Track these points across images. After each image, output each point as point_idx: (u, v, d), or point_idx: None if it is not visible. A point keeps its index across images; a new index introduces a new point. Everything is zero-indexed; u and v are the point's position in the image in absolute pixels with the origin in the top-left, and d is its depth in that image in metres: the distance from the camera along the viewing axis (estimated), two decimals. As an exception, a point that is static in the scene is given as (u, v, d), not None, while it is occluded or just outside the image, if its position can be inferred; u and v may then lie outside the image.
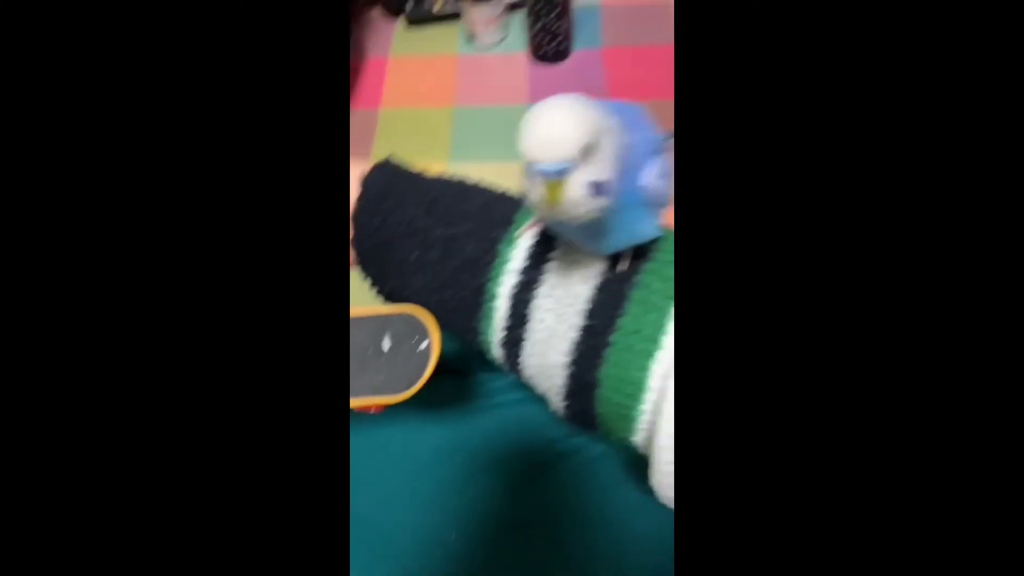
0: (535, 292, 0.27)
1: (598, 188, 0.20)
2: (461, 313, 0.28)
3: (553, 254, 0.27)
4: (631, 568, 0.36)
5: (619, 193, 0.20)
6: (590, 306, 0.26)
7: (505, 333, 0.27)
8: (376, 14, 1.00)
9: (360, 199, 0.30)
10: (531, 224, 0.27)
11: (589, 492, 0.39)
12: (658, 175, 0.22)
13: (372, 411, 0.29)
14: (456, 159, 0.84)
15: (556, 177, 0.19)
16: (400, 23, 0.99)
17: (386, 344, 0.28)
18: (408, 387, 0.28)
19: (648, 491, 0.26)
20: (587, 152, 0.19)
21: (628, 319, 0.25)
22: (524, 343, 0.27)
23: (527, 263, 0.27)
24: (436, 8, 0.95)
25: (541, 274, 0.27)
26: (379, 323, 0.28)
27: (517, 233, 0.28)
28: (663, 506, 0.26)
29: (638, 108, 0.24)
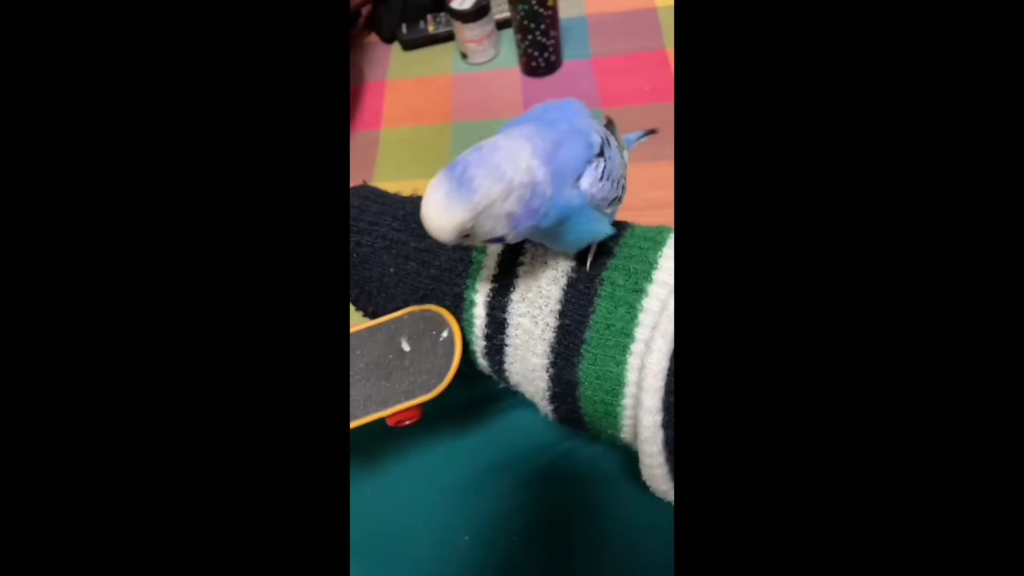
0: (510, 296, 0.27)
1: (496, 239, 0.22)
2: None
3: (523, 258, 0.28)
4: (638, 562, 0.36)
5: (539, 219, 0.22)
6: (561, 306, 0.26)
7: (486, 342, 0.28)
8: (372, 40, 1.04)
9: None
10: None
11: (595, 488, 0.39)
12: (591, 182, 0.23)
13: (408, 423, 0.28)
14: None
15: (451, 243, 0.22)
16: (395, 47, 1.02)
17: (406, 346, 0.28)
18: (440, 380, 0.27)
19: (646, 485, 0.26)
20: (468, 230, 0.21)
21: (599, 315, 0.26)
22: (506, 348, 0.28)
23: (498, 269, 0.28)
24: (429, 30, 0.99)
25: (514, 277, 0.27)
26: (392, 328, 0.28)
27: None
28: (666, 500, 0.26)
29: (577, 115, 0.25)
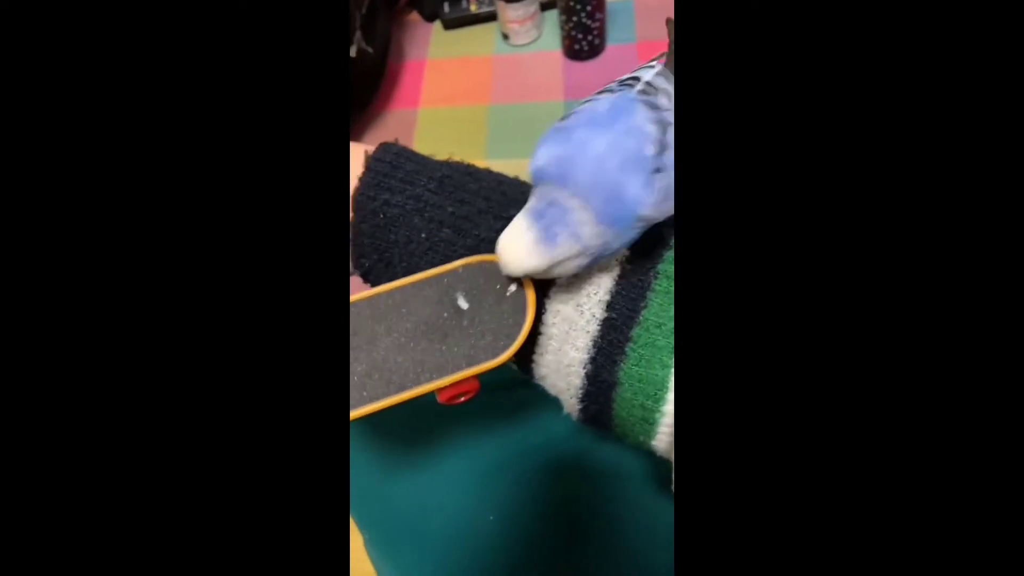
0: (552, 285, 0.25)
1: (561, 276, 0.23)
2: None
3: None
4: (655, 559, 0.36)
5: (602, 253, 0.22)
6: (610, 297, 0.24)
7: None
8: (414, 18, 1.03)
9: (365, 175, 0.27)
10: None
11: (619, 482, 0.38)
12: (655, 208, 0.22)
13: (463, 399, 0.24)
14: (491, 156, 0.85)
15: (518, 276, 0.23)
16: (436, 26, 1.01)
17: (463, 303, 0.24)
18: (510, 341, 0.24)
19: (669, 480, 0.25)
20: (547, 271, 0.22)
21: (650, 311, 0.24)
22: (540, 337, 0.26)
23: None
24: (471, 10, 0.97)
25: None
26: (444, 283, 0.24)
27: None
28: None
29: (627, 115, 0.23)
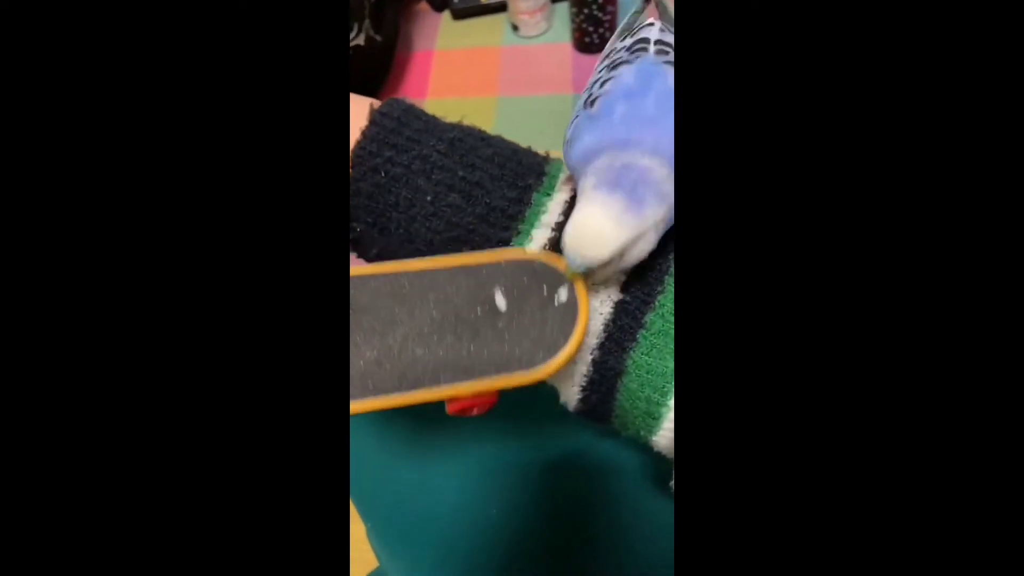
0: None
1: (621, 271, 0.21)
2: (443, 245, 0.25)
3: None
4: (654, 560, 0.36)
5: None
6: (626, 277, 0.23)
7: None
8: (422, 8, 1.02)
9: (369, 128, 0.26)
10: (567, 178, 0.25)
11: (622, 480, 0.38)
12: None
13: (475, 412, 0.22)
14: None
15: (580, 270, 0.21)
16: (445, 16, 1.00)
17: (501, 301, 0.21)
18: (550, 354, 0.21)
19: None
20: (615, 258, 0.20)
21: (667, 297, 0.23)
22: None
23: (562, 218, 0.24)
24: (481, 0, 0.96)
25: None
26: (482, 275, 0.22)
27: (555, 184, 0.25)
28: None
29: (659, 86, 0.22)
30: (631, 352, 0.23)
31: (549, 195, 0.25)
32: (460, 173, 0.25)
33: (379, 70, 0.91)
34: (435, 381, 0.21)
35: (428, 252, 0.24)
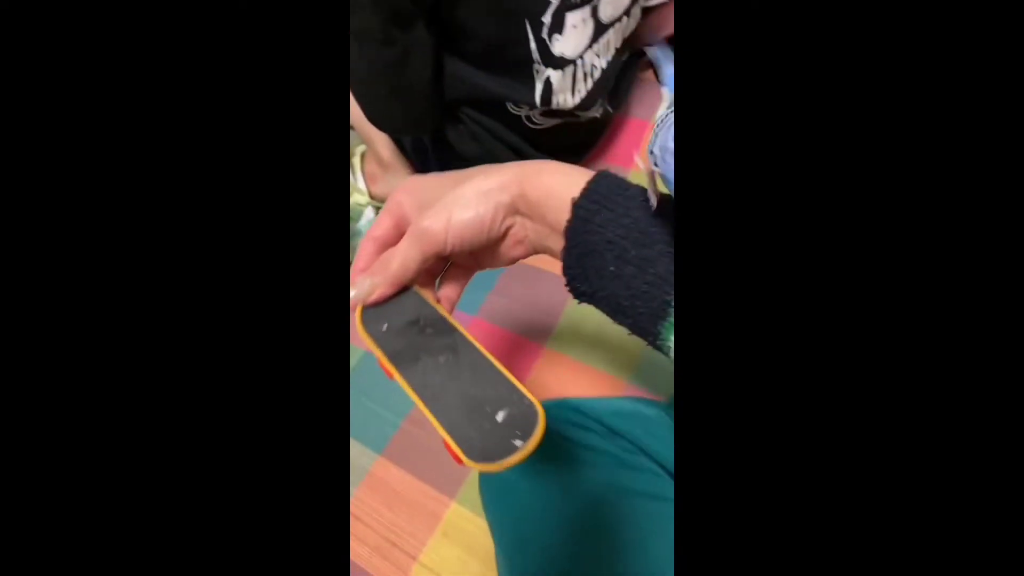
0: None
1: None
2: (648, 319, 0.30)
3: None
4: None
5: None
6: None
7: None
8: (648, 77, 1.05)
9: (574, 212, 0.32)
10: None
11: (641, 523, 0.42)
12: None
13: (451, 452, 0.28)
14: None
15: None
16: (666, 91, 1.02)
17: (501, 417, 0.28)
18: (483, 461, 0.27)
19: None
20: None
21: None
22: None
23: None
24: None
25: None
26: (511, 394, 0.28)
27: None
28: None
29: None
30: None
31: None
32: (633, 252, 0.30)
33: (599, 134, 0.95)
34: (431, 400, 0.29)
35: (613, 302, 0.31)
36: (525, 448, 0.27)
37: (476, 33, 0.67)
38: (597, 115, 0.83)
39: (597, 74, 0.77)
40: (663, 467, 0.47)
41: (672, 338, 0.30)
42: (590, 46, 0.73)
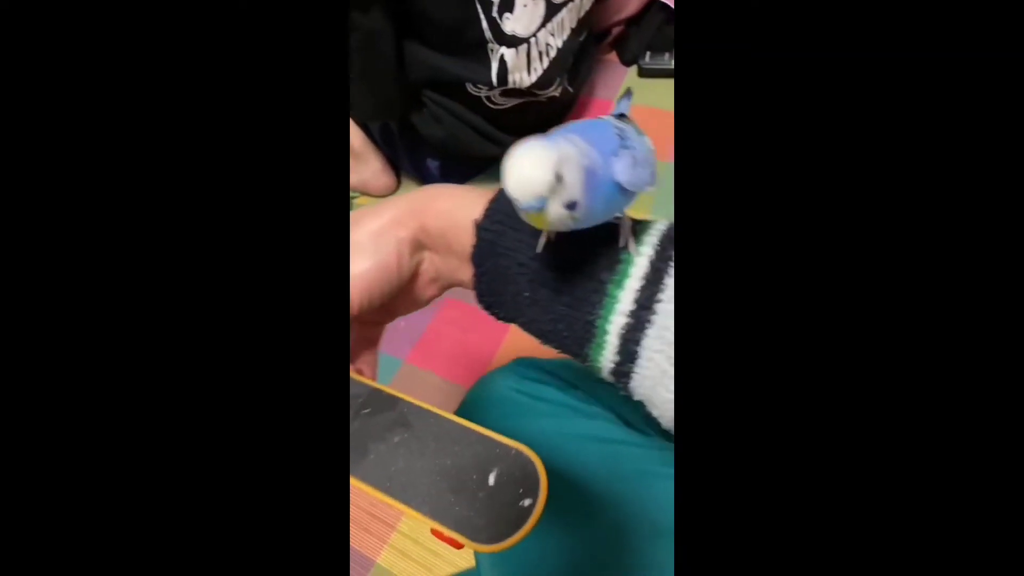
0: (645, 333, 0.27)
1: (572, 206, 0.23)
2: (573, 342, 0.29)
3: (662, 296, 0.27)
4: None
5: (592, 199, 0.24)
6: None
7: (614, 366, 0.28)
8: (612, 59, 1.07)
9: (478, 236, 0.30)
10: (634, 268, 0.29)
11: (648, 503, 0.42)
12: (625, 168, 0.25)
13: (444, 539, 0.25)
14: (657, 212, 0.89)
15: (536, 211, 0.23)
16: (632, 71, 1.05)
17: (492, 480, 0.24)
18: (494, 540, 0.23)
19: None
20: (554, 185, 0.23)
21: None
22: (634, 375, 0.28)
23: (635, 306, 0.28)
24: (671, 65, 1.00)
25: (652, 314, 0.27)
26: (491, 450, 0.25)
27: (626, 275, 0.28)
28: None
29: (593, 122, 0.26)
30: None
31: (620, 287, 0.28)
32: (547, 273, 0.28)
33: (562, 114, 0.97)
34: (404, 497, 0.24)
35: (534, 327, 0.30)
36: (537, 505, 0.23)
37: (433, 15, 0.69)
38: (556, 94, 0.85)
39: (553, 53, 0.79)
40: (619, 416, 0.49)
41: (602, 359, 0.28)
42: (543, 25, 0.75)
